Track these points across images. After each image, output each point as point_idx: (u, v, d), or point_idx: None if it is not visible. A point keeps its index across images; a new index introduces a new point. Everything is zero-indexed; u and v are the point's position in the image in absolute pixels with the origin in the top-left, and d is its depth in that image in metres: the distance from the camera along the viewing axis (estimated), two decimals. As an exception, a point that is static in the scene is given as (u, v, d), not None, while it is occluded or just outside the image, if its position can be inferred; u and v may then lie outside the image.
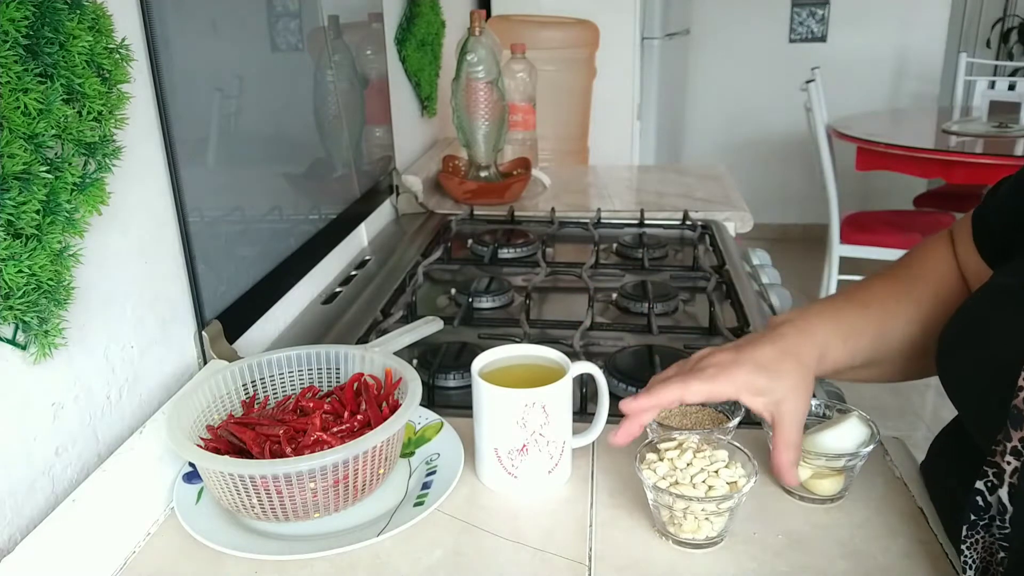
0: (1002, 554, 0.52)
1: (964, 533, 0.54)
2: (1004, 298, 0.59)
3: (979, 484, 0.53)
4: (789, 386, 0.64)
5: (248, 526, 0.67)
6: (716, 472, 0.63)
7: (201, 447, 0.66)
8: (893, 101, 4.09)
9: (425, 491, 0.69)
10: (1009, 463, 0.51)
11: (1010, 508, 0.51)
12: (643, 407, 0.66)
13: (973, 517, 0.54)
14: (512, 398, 0.68)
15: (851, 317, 0.69)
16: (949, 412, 0.67)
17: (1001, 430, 0.52)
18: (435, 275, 1.27)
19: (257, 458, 0.66)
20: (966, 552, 0.54)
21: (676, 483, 0.62)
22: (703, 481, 0.62)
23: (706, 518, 0.61)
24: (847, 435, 0.67)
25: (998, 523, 0.52)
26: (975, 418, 0.59)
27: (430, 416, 0.79)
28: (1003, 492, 0.51)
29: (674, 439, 0.67)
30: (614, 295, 1.14)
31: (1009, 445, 0.51)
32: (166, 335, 0.79)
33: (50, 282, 0.57)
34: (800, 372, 0.65)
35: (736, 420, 0.71)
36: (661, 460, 0.65)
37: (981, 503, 0.53)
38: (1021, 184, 0.67)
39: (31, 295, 0.56)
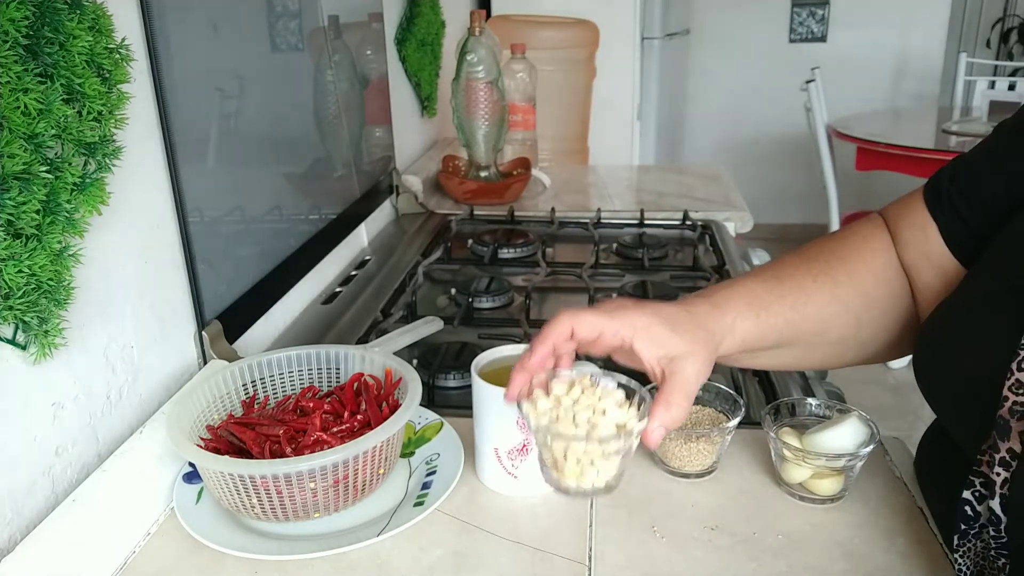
0: (1002, 560, 0.52)
1: (956, 542, 0.54)
2: (984, 305, 0.57)
3: (966, 494, 0.53)
4: (688, 347, 0.58)
5: (248, 526, 0.67)
6: (603, 411, 0.57)
7: (201, 447, 0.66)
8: (893, 101, 4.09)
9: (425, 491, 0.69)
10: (999, 474, 0.51)
11: (1004, 519, 0.51)
12: (540, 356, 0.59)
13: (963, 527, 0.54)
14: (512, 398, 0.68)
15: (762, 292, 0.65)
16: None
17: (986, 439, 0.52)
18: (435, 275, 1.27)
19: (257, 458, 0.66)
20: (959, 560, 0.54)
21: (557, 419, 0.56)
22: (587, 420, 0.56)
23: (590, 462, 0.55)
24: (847, 435, 0.67)
25: (991, 532, 0.52)
26: (958, 426, 0.58)
27: (430, 416, 0.79)
28: (994, 503, 0.51)
29: (568, 377, 0.60)
30: (614, 295, 1.14)
31: (997, 456, 0.51)
32: (166, 335, 0.79)
33: (50, 282, 0.57)
34: (704, 340, 0.60)
35: (736, 420, 0.71)
36: (548, 395, 0.59)
37: (970, 512, 0.53)
38: (992, 164, 0.65)
39: (31, 295, 0.56)
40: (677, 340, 0.59)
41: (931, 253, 0.67)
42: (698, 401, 0.76)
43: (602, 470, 0.56)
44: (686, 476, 0.72)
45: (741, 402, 0.73)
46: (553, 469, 0.57)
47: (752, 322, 0.64)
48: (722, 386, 0.75)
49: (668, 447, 0.71)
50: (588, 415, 0.56)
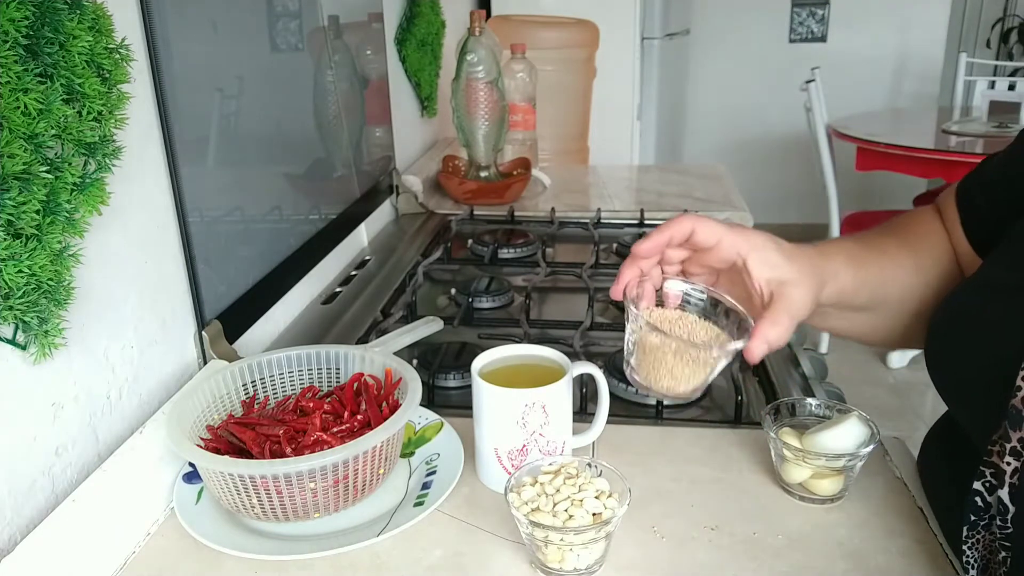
0: (1004, 553, 0.52)
1: (965, 534, 0.54)
2: (999, 294, 0.58)
3: (977, 484, 0.53)
4: (798, 275, 0.61)
5: (248, 526, 0.67)
6: (580, 501, 0.60)
7: (201, 447, 0.66)
8: (893, 101, 4.09)
9: (425, 491, 0.69)
10: (1009, 463, 0.51)
11: (1012, 508, 0.51)
12: (654, 243, 0.61)
13: (973, 518, 0.54)
14: (512, 398, 0.68)
15: (858, 251, 0.68)
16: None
17: (997, 429, 0.52)
18: (435, 275, 1.27)
19: (257, 458, 0.66)
20: (968, 552, 0.54)
21: (538, 509, 0.60)
22: (565, 510, 0.59)
23: (569, 548, 0.59)
24: (847, 435, 0.67)
25: (999, 523, 0.52)
26: (969, 415, 0.59)
27: (430, 416, 0.79)
28: (1004, 493, 0.51)
29: (556, 463, 0.64)
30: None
31: (1008, 446, 0.51)
32: (166, 335, 0.79)
33: (50, 282, 0.57)
34: (812, 275, 0.62)
35: (739, 344, 0.59)
36: (533, 484, 0.62)
37: (980, 503, 0.53)
38: (1010, 162, 0.67)
39: (31, 295, 0.56)
40: (789, 267, 0.61)
41: (959, 245, 0.70)
42: (698, 312, 0.65)
43: (583, 554, 0.59)
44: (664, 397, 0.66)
45: (749, 323, 0.61)
46: (538, 552, 0.60)
47: (851, 274, 0.65)
48: (734, 304, 0.63)
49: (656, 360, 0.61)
50: (567, 505, 0.60)
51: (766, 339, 0.58)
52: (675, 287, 0.63)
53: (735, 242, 0.61)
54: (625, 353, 0.61)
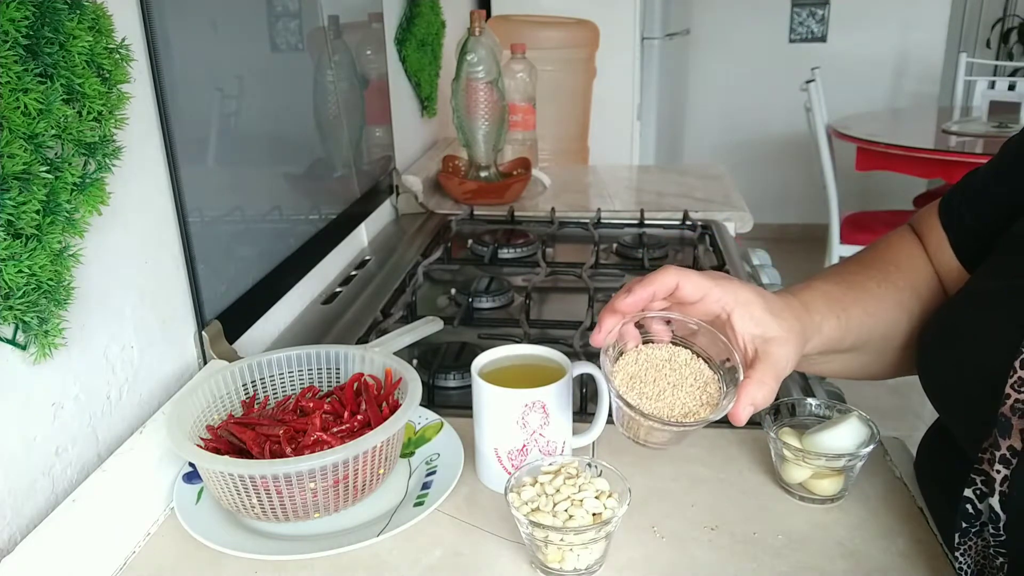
0: (1000, 560, 0.52)
1: (957, 540, 0.54)
2: (989, 302, 0.58)
3: (967, 492, 0.53)
4: (784, 332, 0.59)
5: (248, 526, 0.67)
6: (580, 501, 0.60)
7: (201, 447, 0.66)
8: (893, 101, 4.09)
9: (425, 491, 0.69)
10: (999, 471, 0.51)
11: (1003, 516, 0.51)
12: (638, 298, 0.59)
13: (964, 525, 0.54)
14: (512, 398, 0.68)
15: (838, 295, 0.66)
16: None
17: (987, 436, 0.52)
18: (435, 275, 1.27)
19: (257, 458, 0.66)
20: (960, 559, 0.55)
21: (537, 509, 0.60)
22: (565, 510, 0.59)
23: (569, 548, 0.59)
24: (847, 435, 0.67)
25: (991, 530, 0.52)
26: (960, 424, 0.59)
27: (430, 416, 0.79)
28: (994, 500, 0.51)
29: (556, 463, 0.64)
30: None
31: (998, 453, 0.51)
32: (166, 335, 0.79)
33: (50, 282, 0.57)
34: (798, 332, 0.60)
35: (720, 413, 0.58)
36: (533, 484, 0.62)
37: (971, 510, 0.53)
38: (996, 175, 0.67)
39: (31, 295, 0.56)
40: (775, 324, 0.59)
41: (945, 264, 0.69)
42: (691, 346, 0.64)
43: (583, 554, 0.59)
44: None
45: (739, 375, 0.59)
46: (538, 552, 0.60)
47: (834, 323, 0.64)
48: (731, 348, 0.61)
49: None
50: (567, 505, 0.60)
51: (752, 400, 0.56)
52: (669, 319, 0.62)
53: (721, 297, 0.60)
54: (610, 399, 0.61)
